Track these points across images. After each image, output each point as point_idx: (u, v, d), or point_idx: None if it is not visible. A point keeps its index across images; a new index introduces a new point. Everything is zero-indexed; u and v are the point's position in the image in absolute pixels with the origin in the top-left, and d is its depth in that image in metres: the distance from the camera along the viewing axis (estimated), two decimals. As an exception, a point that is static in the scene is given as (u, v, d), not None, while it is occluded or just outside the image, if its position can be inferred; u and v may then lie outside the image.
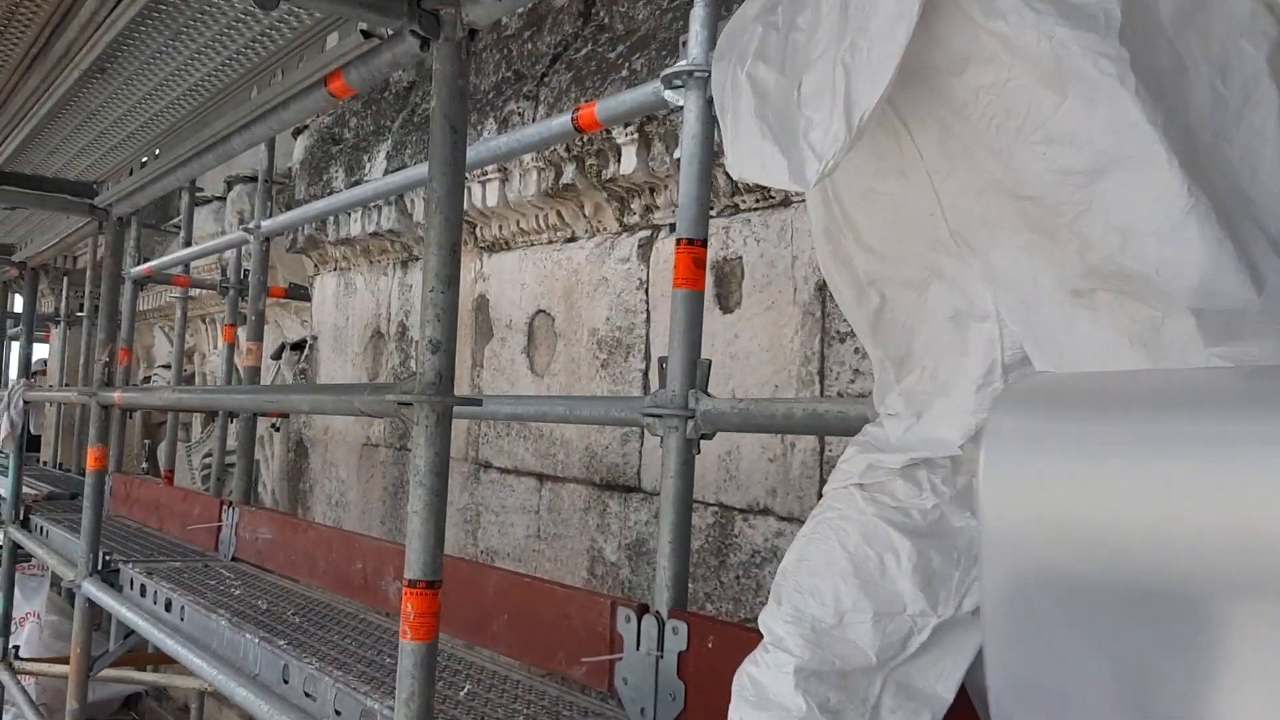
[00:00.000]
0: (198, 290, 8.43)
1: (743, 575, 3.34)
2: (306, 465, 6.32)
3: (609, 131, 3.74)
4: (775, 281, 3.31)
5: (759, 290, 3.38)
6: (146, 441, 11.28)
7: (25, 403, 6.22)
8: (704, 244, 2.51)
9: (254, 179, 8.34)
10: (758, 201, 3.40)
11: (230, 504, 4.83)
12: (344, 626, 3.46)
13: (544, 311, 4.38)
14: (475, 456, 4.76)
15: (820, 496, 1.64)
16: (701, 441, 2.43)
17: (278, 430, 8.30)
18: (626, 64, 3.68)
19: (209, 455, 9.81)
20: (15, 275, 6.49)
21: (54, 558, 5.19)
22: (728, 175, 3.45)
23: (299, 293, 7.32)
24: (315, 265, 6.45)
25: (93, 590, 4.33)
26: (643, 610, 2.46)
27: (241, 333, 8.43)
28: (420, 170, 3.63)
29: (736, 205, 3.50)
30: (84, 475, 10.07)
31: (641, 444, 3.80)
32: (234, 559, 4.71)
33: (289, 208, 6.22)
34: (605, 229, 4.10)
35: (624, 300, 3.93)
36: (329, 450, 6.07)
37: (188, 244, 7.79)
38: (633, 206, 3.91)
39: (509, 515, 4.49)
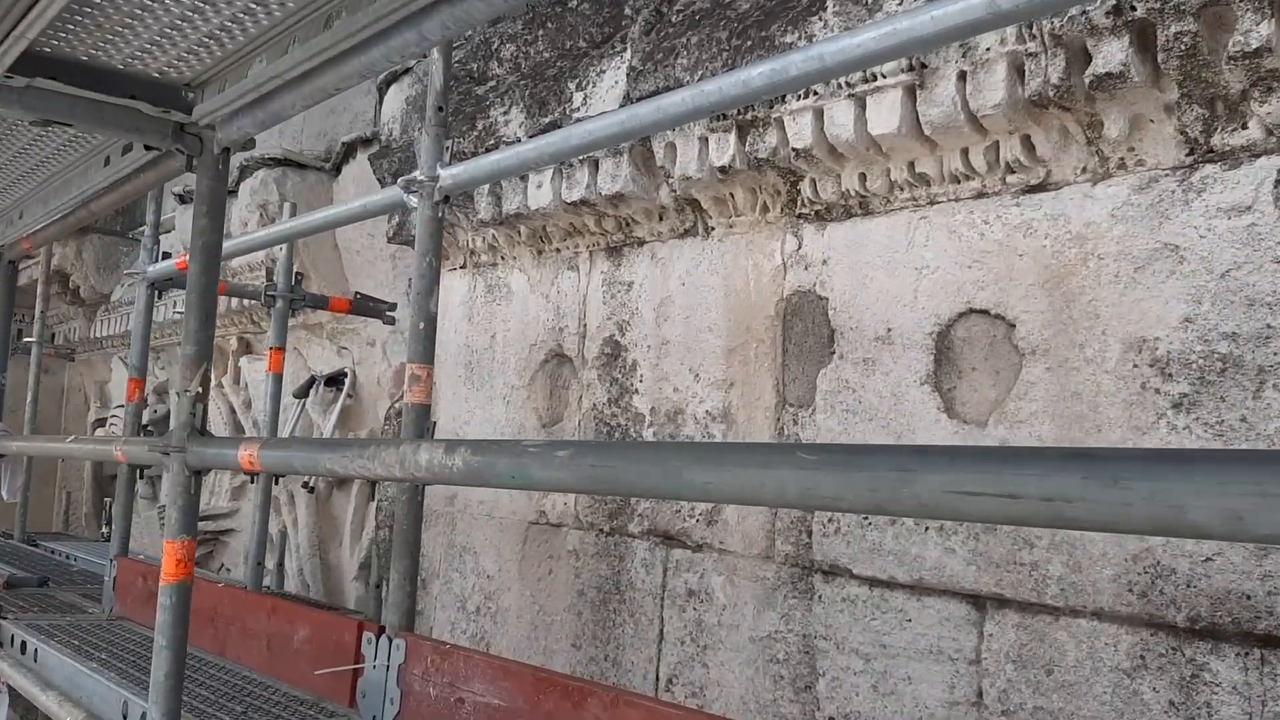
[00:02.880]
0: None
1: None
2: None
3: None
4: None
5: None
6: (106, 500, 9.09)
7: (-3, 456, 4.19)
8: None
9: (285, 162, 6.41)
10: None
11: (383, 630, 2.90)
12: None
13: (984, 312, 2.55)
14: (802, 555, 2.90)
15: None
16: None
17: (311, 490, 6.33)
18: None
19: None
20: (-15, 269, 4.49)
21: (74, 713, 3.17)
22: None
23: (368, 306, 5.40)
24: (425, 262, 4.52)
25: (181, 810, 2.37)
26: None
27: (347, 351, 6.43)
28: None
29: None
30: (31, 544, 7.88)
31: (1321, 555, 1.99)
32: (396, 728, 2.78)
33: (398, 175, 4.30)
34: (1144, 161, 2.30)
35: (1242, 285, 2.12)
36: (460, 529, 4.13)
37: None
38: (1255, 110, 2.12)
39: (899, 663, 2.62)
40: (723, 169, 3.03)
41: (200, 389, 2.64)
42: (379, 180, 4.48)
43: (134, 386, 4.65)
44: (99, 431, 9.31)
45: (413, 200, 3.10)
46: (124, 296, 8.68)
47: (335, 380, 6.44)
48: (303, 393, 6.51)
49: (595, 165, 3.44)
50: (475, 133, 3.88)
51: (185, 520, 2.60)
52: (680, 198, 3.27)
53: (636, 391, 3.47)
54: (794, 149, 2.83)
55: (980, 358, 2.54)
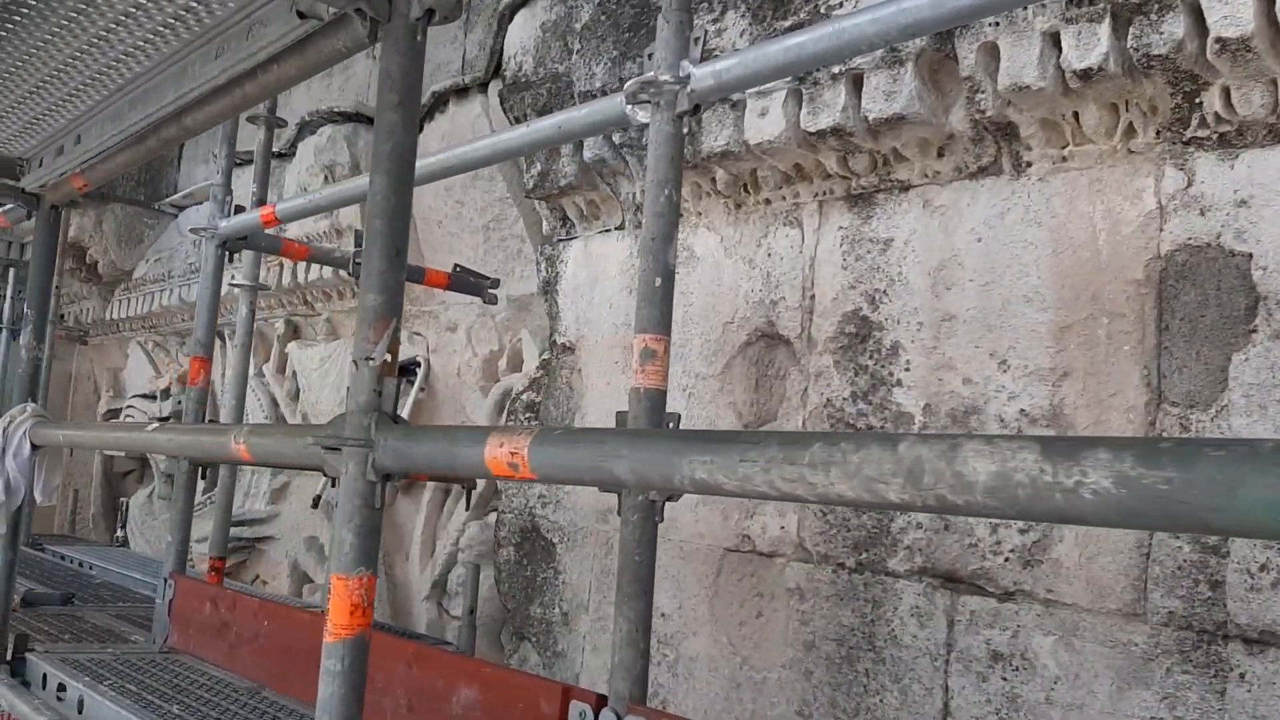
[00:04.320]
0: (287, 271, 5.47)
1: None
2: (551, 573, 3.52)
3: None
4: None
5: None
6: (122, 501, 8.19)
7: (33, 446, 3.33)
8: None
9: (356, 116, 5.55)
10: None
11: (604, 702, 2.06)
12: None
13: None
14: (1200, 614, 2.06)
15: None
16: None
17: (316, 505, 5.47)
18: None
19: (238, 525, 6.84)
20: (23, 218, 3.63)
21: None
22: None
23: (469, 281, 4.54)
24: (564, 223, 3.69)
25: None
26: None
27: (460, 334, 5.57)
28: None
29: None
30: (37, 549, 6.93)
31: None
32: None
33: (544, 112, 3.46)
34: None
35: None
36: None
37: (262, 201, 4.88)
38: None
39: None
40: (1084, 74, 2.19)
41: (389, 355, 1.80)
42: (513, 120, 3.63)
43: (199, 367, 3.79)
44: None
45: (640, 114, 2.26)
46: (149, 274, 7.79)
47: (405, 370, 5.57)
48: (364, 384, 5.63)
49: (855, 82, 2.60)
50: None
51: (364, 546, 1.76)
52: (986, 122, 2.44)
53: (898, 383, 2.63)
54: (1218, 40, 2.00)
55: None
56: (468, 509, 4.74)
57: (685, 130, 2.19)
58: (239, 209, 3.91)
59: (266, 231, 3.97)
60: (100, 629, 4.13)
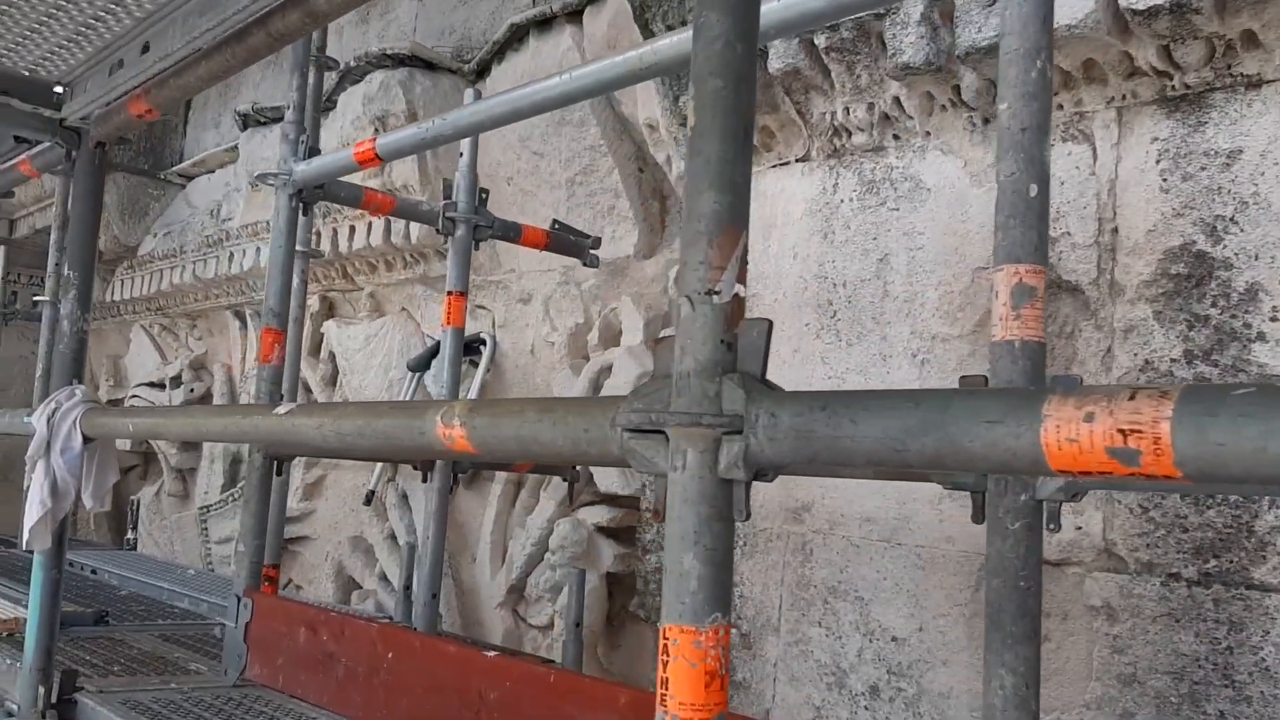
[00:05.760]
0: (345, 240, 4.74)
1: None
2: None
3: None
4: None
5: None
6: (133, 499, 7.46)
7: (85, 438, 2.66)
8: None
9: (410, 60, 4.86)
10: None
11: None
12: None
13: None
14: None
15: None
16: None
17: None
18: None
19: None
20: (62, 157, 2.93)
21: None
22: None
23: (569, 240, 3.89)
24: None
25: None
26: None
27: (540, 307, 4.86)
28: None
29: None
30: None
31: None
32: None
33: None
34: None
35: None
36: (820, 559, 2.63)
37: (314, 151, 4.17)
38: None
39: None
40: None
41: (740, 286, 1.15)
42: (665, 27, 2.97)
43: (271, 340, 3.11)
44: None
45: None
46: (156, 249, 7.06)
47: (469, 348, 4.88)
48: (422, 364, 4.98)
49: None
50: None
51: (719, 578, 1.12)
52: None
53: (1259, 337, 2.00)
54: None
55: None
56: (570, 502, 4.09)
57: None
58: (315, 151, 3.24)
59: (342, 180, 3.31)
60: (150, 656, 3.45)
